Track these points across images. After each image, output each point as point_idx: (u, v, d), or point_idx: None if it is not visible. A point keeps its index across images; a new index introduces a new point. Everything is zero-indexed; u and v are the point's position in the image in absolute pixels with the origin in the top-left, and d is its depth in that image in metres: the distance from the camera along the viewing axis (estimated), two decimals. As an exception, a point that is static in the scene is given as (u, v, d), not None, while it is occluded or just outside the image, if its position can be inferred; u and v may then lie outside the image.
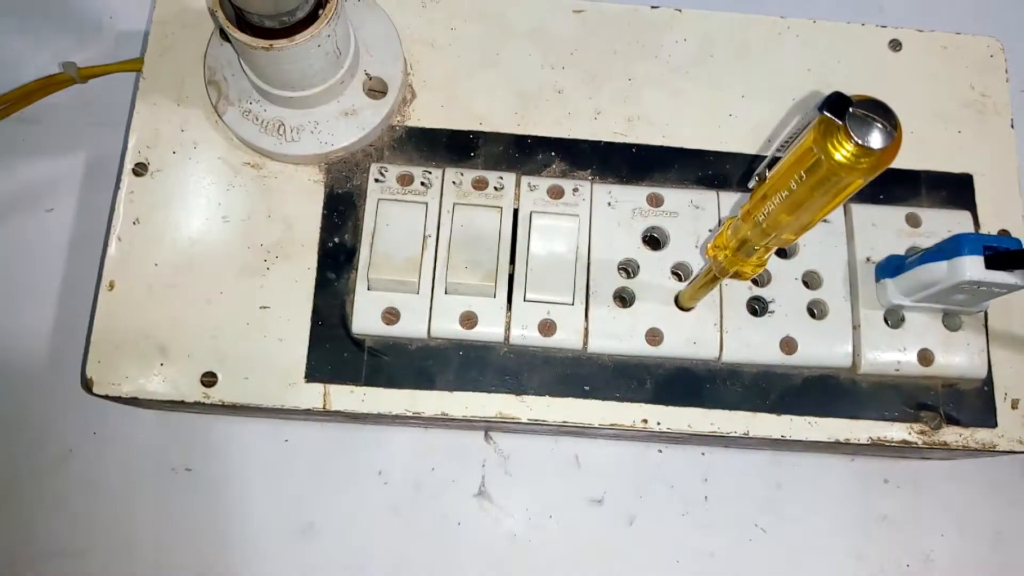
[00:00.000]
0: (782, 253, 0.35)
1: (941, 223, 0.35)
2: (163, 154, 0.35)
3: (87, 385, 0.33)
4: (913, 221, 0.35)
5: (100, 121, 0.42)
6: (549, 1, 0.38)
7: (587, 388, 0.34)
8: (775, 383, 0.34)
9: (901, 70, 0.38)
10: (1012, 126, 0.38)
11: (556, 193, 0.35)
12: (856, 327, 0.34)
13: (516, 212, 0.35)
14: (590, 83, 0.37)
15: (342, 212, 0.35)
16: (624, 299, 0.34)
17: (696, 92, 0.38)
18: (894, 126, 0.21)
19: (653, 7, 0.39)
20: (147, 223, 0.35)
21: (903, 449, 0.35)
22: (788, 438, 0.34)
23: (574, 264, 0.34)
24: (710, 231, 0.35)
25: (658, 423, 0.33)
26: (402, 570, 0.38)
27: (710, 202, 0.35)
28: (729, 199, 0.35)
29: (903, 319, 0.34)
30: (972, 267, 0.30)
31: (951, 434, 0.34)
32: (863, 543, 0.39)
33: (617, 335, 0.34)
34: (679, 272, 0.35)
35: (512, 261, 0.34)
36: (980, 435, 0.34)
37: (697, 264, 0.34)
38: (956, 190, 0.37)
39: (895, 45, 0.39)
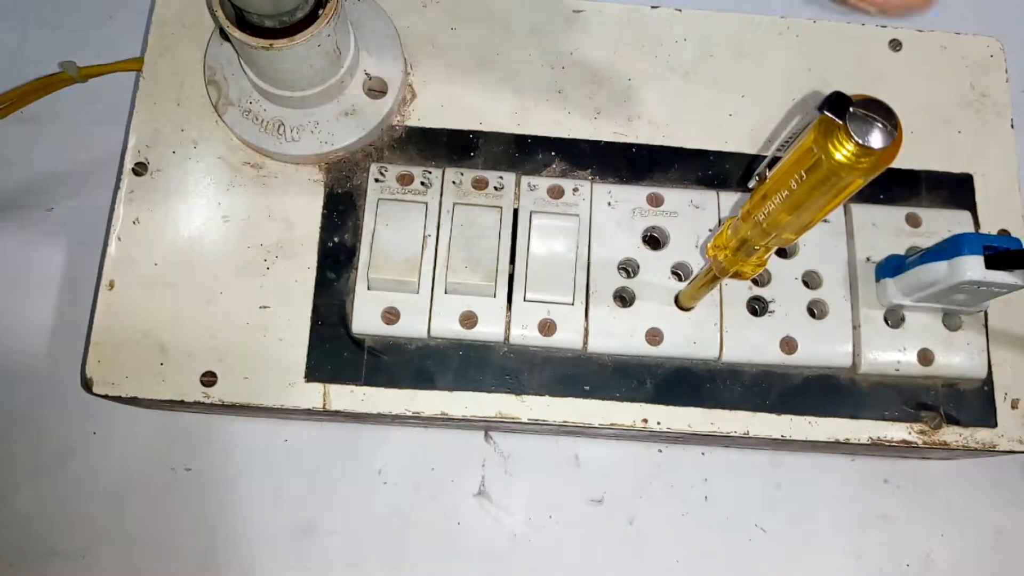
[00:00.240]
0: (782, 253, 0.35)
1: (941, 223, 0.35)
2: (163, 154, 0.35)
3: (87, 385, 0.33)
4: (913, 221, 0.35)
5: (100, 121, 0.42)
6: (549, 1, 0.38)
7: (587, 388, 0.34)
8: (775, 383, 0.34)
9: (901, 70, 0.38)
10: (1012, 126, 0.38)
11: (556, 193, 0.35)
12: (856, 327, 0.34)
13: (516, 212, 0.35)
14: (590, 83, 0.37)
15: (342, 212, 0.35)
16: (624, 299, 0.34)
17: (696, 92, 0.38)
18: (894, 126, 0.21)
19: (653, 7, 0.39)
20: (147, 223, 0.35)
21: (903, 449, 0.35)
22: (788, 438, 0.34)
23: (574, 264, 0.34)
24: (710, 231, 0.35)
25: (658, 423, 0.33)
26: (402, 570, 0.38)
27: (710, 202, 0.35)
28: (729, 199, 0.35)
29: (903, 319, 0.34)
30: (972, 267, 0.30)
31: (951, 434, 0.34)
32: (863, 543, 0.39)
33: (617, 335, 0.34)
34: (679, 272, 0.35)
35: (512, 261, 0.34)
36: (980, 435, 0.34)
37: (697, 264, 0.34)
38: (956, 190, 0.37)
39: (895, 45, 0.39)
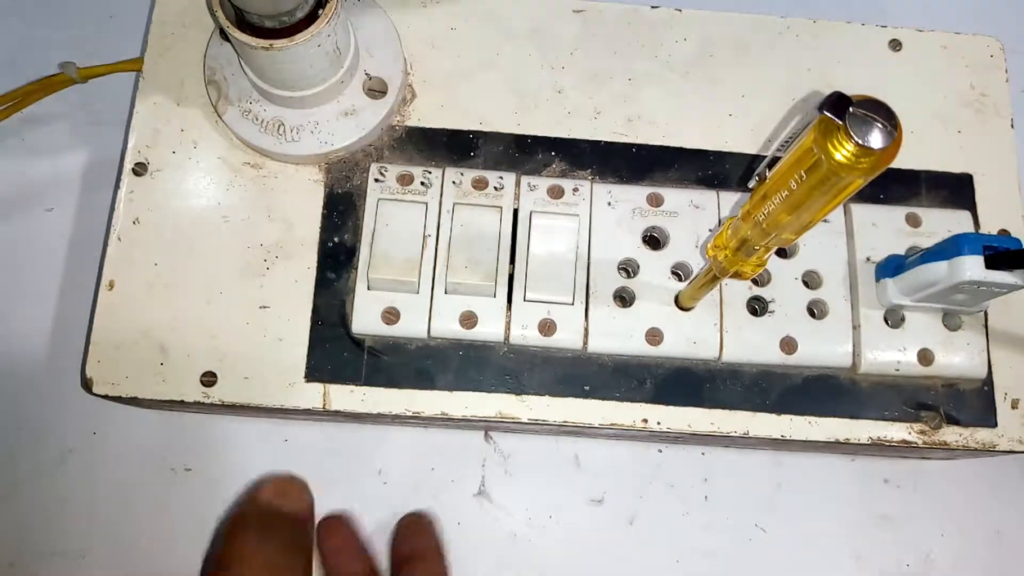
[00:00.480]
0: (782, 253, 0.35)
1: (941, 223, 0.35)
2: (163, 154, 0.35)
3: (87, 385, 0.33)
4: (913, 221, 0.35)
5: (100, 121, 0.42)
6: (549, 1, 0.38)
7: (587, 388, 0.34)
8: (775, 383, 0.34)
9: (901, 70, 0.38)
10: (1012, 126, 0.38)
11: (556, 193, 0.35)
12: (856, 327, 0.34)
13: (516, 212, 0.35)
14: (590, 83, 0.37)
15: (342, 212, 0.35)
16: (624, 299, 0.34)
17: (696, 92, 0.38)
18: (894, 126, 0.21)
19: (653, 7, 0.39)
20: (147, 223, 0.35)
21: (903, 449, 0.35)
22: (788, 438, 0.34)
23: (574, 264, 0.34)
24: (710, 231, 0.35)
25: (658, 423, 0.33)
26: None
27: (710, 202, 0.35)
28: (729, 199, 0.35)
29: (903, 319, 0.34)
30: (972, 267, 0.30)
31: (951, 434, 0.34)
32: (863, 543, 0.39)
33: (617, 335, 0.34)
34: (679, 272, 0.35)
35: (512, 261, 0.34)
36: (980, 435, 0.34)
37: (697, 264, 0.34)
38: (956, 190, 0.37)
39: (895, 45, 0.39)
